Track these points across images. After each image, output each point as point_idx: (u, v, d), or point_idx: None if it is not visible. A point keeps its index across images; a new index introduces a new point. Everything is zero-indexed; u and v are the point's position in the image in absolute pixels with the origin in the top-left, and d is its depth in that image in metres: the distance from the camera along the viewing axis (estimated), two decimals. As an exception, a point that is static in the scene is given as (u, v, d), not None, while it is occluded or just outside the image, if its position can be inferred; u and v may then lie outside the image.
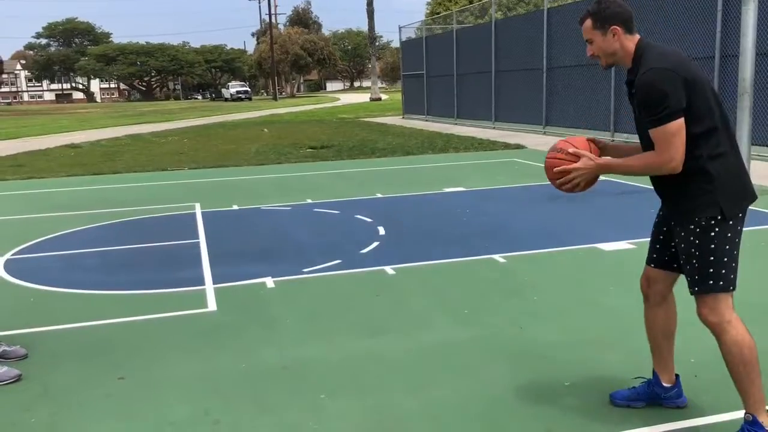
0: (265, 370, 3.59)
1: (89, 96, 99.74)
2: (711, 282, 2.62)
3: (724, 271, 2.61)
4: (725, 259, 2.61)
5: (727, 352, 2.65)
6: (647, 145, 2.67)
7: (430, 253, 5.82)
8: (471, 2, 45.12)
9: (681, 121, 2.53)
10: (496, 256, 5.63)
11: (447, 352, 3.75)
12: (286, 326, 4.24)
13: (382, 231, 6.73)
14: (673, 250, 2.82)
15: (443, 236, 6.58)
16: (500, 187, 9.38)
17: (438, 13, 41.83)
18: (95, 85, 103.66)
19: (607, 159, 2.79)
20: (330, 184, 10.11)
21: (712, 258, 2.60)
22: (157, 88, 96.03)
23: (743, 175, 2.65)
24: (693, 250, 2.64)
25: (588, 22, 2.72)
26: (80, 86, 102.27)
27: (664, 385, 3.00)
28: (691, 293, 2.71)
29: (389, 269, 5.37)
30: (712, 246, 2.60)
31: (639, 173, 2.71)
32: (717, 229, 2.59)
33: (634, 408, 3.02)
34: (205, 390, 3.39)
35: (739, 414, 2.94)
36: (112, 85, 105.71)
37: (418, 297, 4.73)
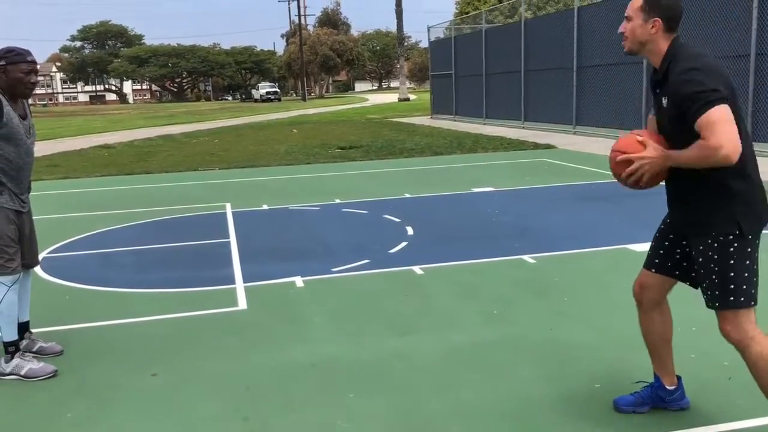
0: (294, 369, 3.62)
1: (122, 97, 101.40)
2: (732, 298, 2.57)
3: (744, 287, 2.56)
4: (745, 275, 2.56)
5: (753, 366, 2.61)
6: (673, 147, 2.59)
7: (459, 253, 5.81)
8: (500, 1, 44.87)
9: (728, 108, 2.41)
10: (526, 257, 5.59)
11: (476, 352, 3.74)
12: (316, 325, 4.27)
13: (410, 231, 6.74)
14: (678, 257, 2.81)
15: (472, 236, 6.56)
16: (530, 187, 9.32)
17: (467, 13, 41.67)
18: (128, 87, 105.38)
19: (671, 151, 2.59)
20: (358, 184, 10.14)
21: (732, 274, 2.56)
22: (188, 89, 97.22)
23: (763, 192, 2.58)
24: (712, 265, 2.60)
25: (638, 1, 2.63)
26: (113, 88, 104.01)
27: (667, 387, 2.97)
28: (710, 308, 2.67)
29: (418, 269, 5.37)
30: (731, 262, 2.56)
31: (696, 164, 2.50)
32: (736, 245, 2.54)
33: (640, 414, 2.98)
34: (235, 387, 3.43)
35: (775, 418, 2.90)
36: (144, 87, 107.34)
37: (446, 297, 4.72)
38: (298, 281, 5.15)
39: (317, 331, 4.17)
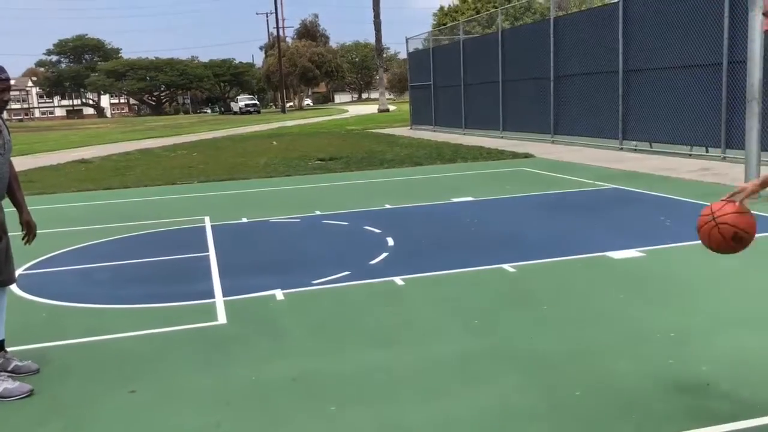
0: (275, 382, 3.59)
1: (99, 111, 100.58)
2: None
3: None
4: None
5: None
6: None
7: (440, 264, 5.82)
8: (478, 12, 45.22)
9: None
10: (506, 266, 5.61)
11: (458, 362, 3.74)
12: (296, 338, 4.25)
13: (391, 242, 6.74)
14: None
15: (452, 246, 6.58)
16: (509, 196, 9.37)
17: (445, 24, 41.94)
18: (105, 101, 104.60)
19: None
20: (338, 196, 10.13)
21: None
22: (167, 103, 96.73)
23: None
24: None
25: None
26: (90, 102, 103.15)
27: None
28: None
29: (398, 280, 5.37)
30: None
31: None
32: None
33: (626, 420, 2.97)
34: (215, 402, 3.39)
35: (756, 422, 2.93)
36: (122, 100, 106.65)
37: (427, 307, 4.72)
38: (279, 294, 5.12)
39: (298, 345, 4.14)
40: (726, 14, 11.24)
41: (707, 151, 12.34)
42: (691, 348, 3.75)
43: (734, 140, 11.15)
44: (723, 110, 11.46)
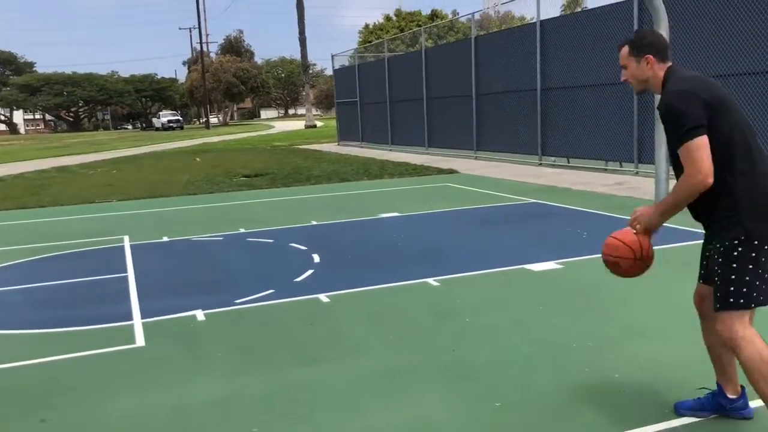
0: (196, 406, 3.50)
1: (12, 128, 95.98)
2: (731, 300, 2.68)
3: (744, 290, 2.67)
4: (746, 278, 2.66)
5: (745, 367, 2.69)
6: (680, 173, 2.77)
7: (365, 279, 5.84)
8: (402, 31, 45.87)
9: (703, 138, 2.62)
10: (430, 280, 5.68)
11: (382, 377, 3.75)
12: (218, 359, 4.16)
13: (317, 258, 6.71)
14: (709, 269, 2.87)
15: (378, 262, 6.61)
16: (434, 211, 9.51)
17: (370, 42, 42.36)
18: (18, 117, 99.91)
19: (657, 207, 2.86)
20: (264, 213, 10.02)
21: (733, 277, 2.68)
22: (86, 119, 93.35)
23: None
24: (716, 268, 2.73)
25: (625, 49, 2.93)
26: (2, 117, 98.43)
27: (729, 396, 3.02)
28: (714, 310, 2.77)
29: (324, 297, 5.35)
30: (734, 265, 2.67)
31: (681, 201, 2.73)
32: (740, 249, 2.66)
33: (700, 418, 3.04)
34: (133, 429, 3.28)
35: (665, 425, 3.06)
36: (38, 116, 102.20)
37: (352, 324, 4.72)
38: (200, 314, 5.01)
39: (219, 366, 4.06)
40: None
41: (621, 166, 12.89)
42: (606, 356, 3.89)
43: (646, 155, 11.69)
44: (635, 127, 12.01)
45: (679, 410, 3.11)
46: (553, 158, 14.63)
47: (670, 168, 8.37)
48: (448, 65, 18.53)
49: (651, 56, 2.84)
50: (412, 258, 6.68)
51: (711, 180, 2.63)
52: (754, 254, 2.66)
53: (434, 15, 56.87)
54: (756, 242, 2.66)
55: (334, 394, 3.56)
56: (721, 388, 3.04)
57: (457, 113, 18.19)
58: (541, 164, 14.78)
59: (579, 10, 23.26)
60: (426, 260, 6.53)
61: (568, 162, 14.21)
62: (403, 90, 21.27)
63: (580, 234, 7.47)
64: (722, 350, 2.95)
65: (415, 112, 20.48)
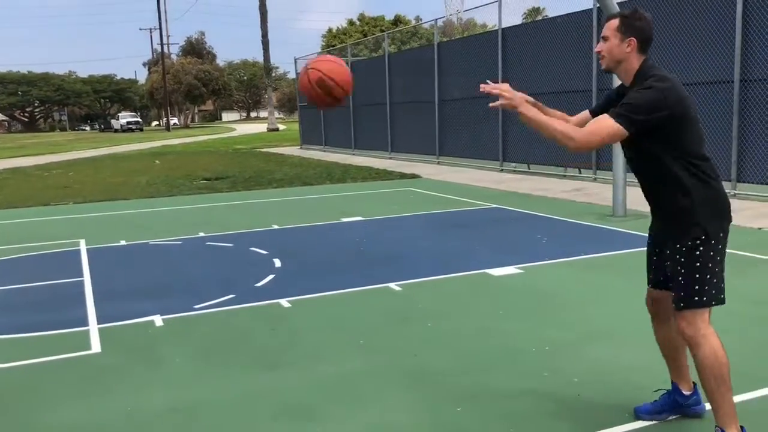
0: (151, 414, 3.43)
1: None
2: (696, 298, 2.74)
3: (706, 287, 2.73)
4: (708, 276, 2.73)
5: (700, 365, 2.74)
6: (643, 174, 2.85)
7: (327, 284, 5.81)
8: (365, 36, 45.96)
9: (621, 131, 2.67)
10: (392, 285, 5.68)
11: (343, 383, 3.73)
12: (175, 366, 4.09)
13: (278, 263, 6.65)
14: (666, 270, 2.90)
15: (340, 266, 6.59)
16: (397, 215, 9.52)
17: (333, 46, 42.32)
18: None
19: (534, 114, 2.82)
20: (224, 217, 9.91)
21: (697, 276, 2.73)
22: (41, 119, 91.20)
23: (726, 198, 2.81)
24: (679, 268, 2.77)
25: (615, 22, 2.85)
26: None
27: (684, 393, 3.08)
28: (677, 309, 2.80)
29: (285, 302, 5.30)
30: (697, 264, 2.73)
31: (550, 133, 2.75)
32: (702, 248, 2.73)
33: (661, 421, 3.08)
34: (86, 438, 3.20)
35: (624, 428, 3.11)
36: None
37: (313, 329, 4.69)
38: (158, 320, 4.92)
39: (177, 372, 3.99)
40: (594, 43, 12.05)
41: (580, 173, 13.11)
42: (564, 360, 3.93)
43: (604, 162, 11.90)
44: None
45: (638, 414, 3.15)
46: (513, 164, 14.79)
47: (629, 174, 8.46)
48: (412, 71, 18.61)
49: (634, 40, 2.80)
50: (374, 262, 6.67)
51: (579, 150, 2.74)
52: (712, 252, 2.74)
53: (398, 20, 57.10)
54: (713, 241, 2.74)
55: (294, 400, 3.53)
56: (676, 386, 3.11)
57: (420, 118, 18.27)
58: (502, 170, 14.94)
59: (540, 18, 23.61)
60: (388, 265, 6.53)
61: (529, 168, 14.38)
62: (367, 94, 21.28)
63: (540, 239, 7.56)
64: (676, 347, 3.04)
65: (378, 117, 20.51)
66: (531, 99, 2.99)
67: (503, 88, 2.86)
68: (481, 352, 4.13)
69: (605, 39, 2.86)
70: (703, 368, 2.73)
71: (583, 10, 12.50)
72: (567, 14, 13.07)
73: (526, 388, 3.55)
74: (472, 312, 4.97)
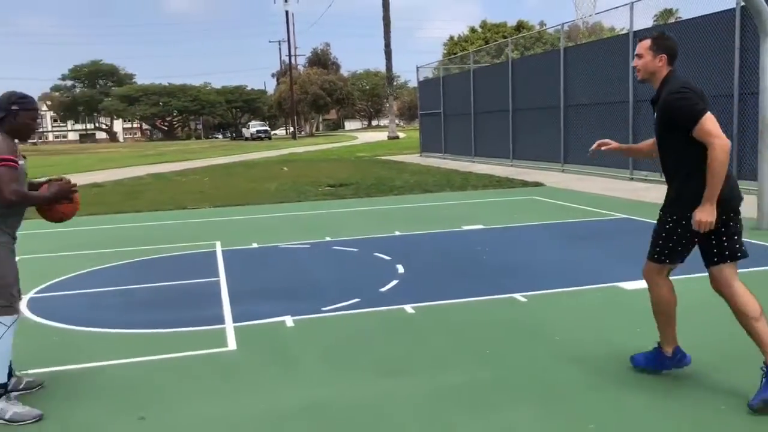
0: (284, 411, 3.56)
1: (112, 136, 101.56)
2: (727, 253, 3.58)
3: (737, 246, 3.62)
4: (735, 237, 3.61)
5: (739, 310, 3.53)
6: (665, 157, 3.56)
7: (450, 292, 5.79)
8: (487, 42, 45.61)
9: (710, 114, 3.28)
10: (517, 295, 5.58)
11: (469, 393, 3.70)
12: (306, 366, 4.22)
13: (401, 269, 6.72)
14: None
15: (463, 274, 6.55)
16: (519, 224, 9.35)
17: (455, 53, 42.32)
18: (118, 125, 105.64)
19: (706, 196, 3.35)
20: (348, 222, 10.14)
21: (724, 238, 3.58)
22: (179, 128, 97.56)
23: (734, 180, 3.51)
24: (722, 228, 3.55)
25: (648, 42, 3.54)
26: (104, 126, 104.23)
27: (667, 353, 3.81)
28: (715, 264, 3.64)
29: (409, 308, 5.34)
30: (730, 226, 3.56)
31: (720, 168, 3.28)
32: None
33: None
34: (224, 431, 3.37)
35: None
36: (135, 125, 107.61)
37: (437, 336, 4.69)
38: (289, 321, 5.11)
39: (307, 373, 4.12)
40: (738, 43, 11.28)
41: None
42: (708, 385, 3.69)
43: (746, 170, 11.12)
44: (734, 140, 11.42)
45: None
46: (645, 172, 14.12)
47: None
48: (536, 76, 18.25)
49: (665, 56, 3.50)
50: (497, 272, 6.58)
51: (728, 148, 3.27)
52: (732, 223, 3.50)
53: (520, 26, 56.23)
54: (724, 217, 3.44)
55: (419, 408, 3.54)
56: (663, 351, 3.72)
57: (544, 125, 17.87)
58: (632, 179, 14.30)
59: (673, 20, 22.43)
60: (512, 275, 6.42)
61: (661, 176, 13.65)
62: (488, 101, 21.09)
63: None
64: (670, 308, 3.76)
65: (499, 124, 20.26)
66: (616, 145, 4.34)
67: (705, 225, 3.45)
68: (612, 367, 3.95)
69: (639, 56, 3.55)
70: (739, 315, 3.49)
71: (724, 10, 11.76)
72: (706, 15, 12.34)
73: (668, 409, 3.36)
74: (603, 327, 4.78)
